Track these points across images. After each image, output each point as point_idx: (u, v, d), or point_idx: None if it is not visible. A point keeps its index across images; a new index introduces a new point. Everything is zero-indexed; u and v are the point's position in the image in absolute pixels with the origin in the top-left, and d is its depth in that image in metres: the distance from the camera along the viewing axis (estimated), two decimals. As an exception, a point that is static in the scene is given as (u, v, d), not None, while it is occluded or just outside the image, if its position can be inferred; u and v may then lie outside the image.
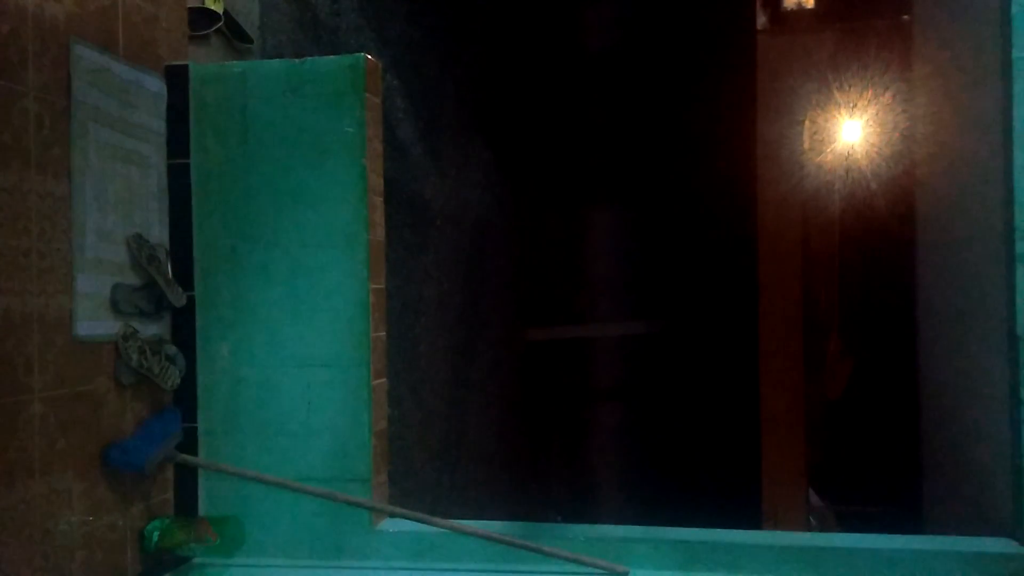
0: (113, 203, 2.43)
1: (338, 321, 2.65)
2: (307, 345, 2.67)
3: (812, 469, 7.77)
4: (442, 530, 2.60)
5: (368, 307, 2.64)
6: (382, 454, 2.74)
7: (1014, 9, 2.42)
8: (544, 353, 7.51)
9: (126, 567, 2.45)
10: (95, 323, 2.34)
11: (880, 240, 6.19)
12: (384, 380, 2.77)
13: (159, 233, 2.64)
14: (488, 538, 2.56)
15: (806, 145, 7.00)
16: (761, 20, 7.85)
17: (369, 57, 2.69)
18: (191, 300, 2.68)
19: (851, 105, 6.33)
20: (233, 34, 3.18)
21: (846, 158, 6.49)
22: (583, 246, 8.10)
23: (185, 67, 2.71)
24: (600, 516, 7.51)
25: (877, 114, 5.98)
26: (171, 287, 2.57)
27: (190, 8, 2.84)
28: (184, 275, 2.68)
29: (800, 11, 7.85)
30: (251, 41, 3.30)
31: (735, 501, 7.03)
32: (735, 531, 2.58)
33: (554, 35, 7.63)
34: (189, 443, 2.67)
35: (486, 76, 6.54)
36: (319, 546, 2.65)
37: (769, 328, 7.65)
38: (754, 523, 7.17)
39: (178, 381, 2.58)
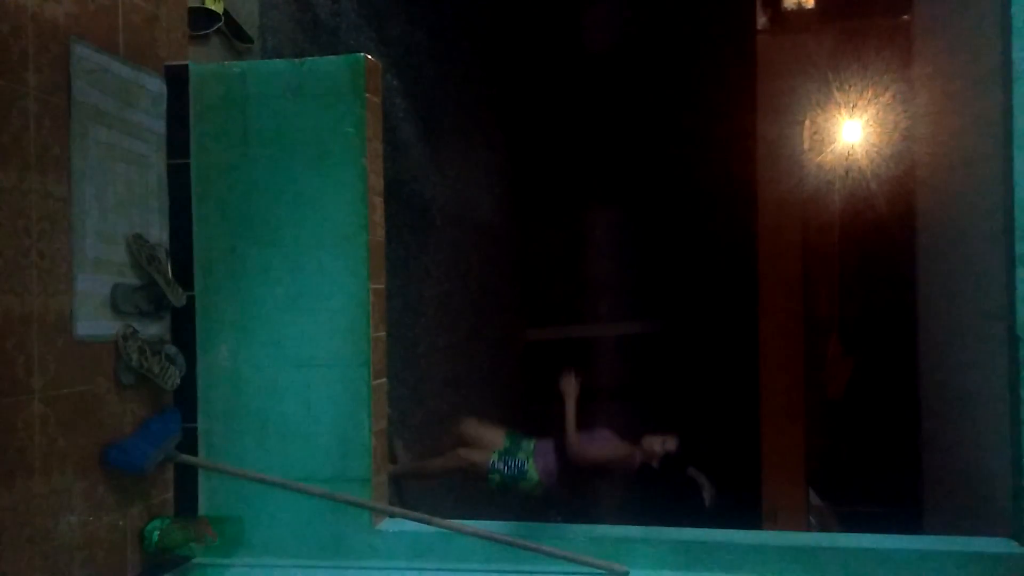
0: (113, 203, 2.43)
1: (338, 321, 2.65)
2: (307, 345, 2.66)
3: (812, 469, 7.77)
4: (442, 530, 2.60)
5: (368, 307, 2.64)
6: (382, 454, 2.74)
7: (1014, 9, 2.42)
8: (544, 353, 7.51)
9: (126, 567, 2.44)
10: (95, 323, 2.34)
11: (880, 240, 6.19)
12: (384, 380, 2.76)
13: (159, 233, 2.64)
14: (488, 538, 2.56)
15: (806, 145, 7.00)
16: (761, 20, 7.86)
17: (369, 57, 2.68)
18: (191, 300, 2.68)
19: (851, 105, 6.32)
20: (233, 34, 3.19)
21: (846, 158, 6.48)
22: (583, 246, 8.10)
23: (185, 67, 2.71)
24: (600, 516, 7.50)
25: (877, 114, 5.98)
26: (171, 287, 2.57)
27: (190, 8, 2.85)
28: (184, 275, 2.67)
29: (800, 11, 7.86)
30: (251, 41, 3.31)
31: (735, 501, 7.03)
32: (735, 531, 2.58)
33: (554, 35, 7.64)
34: (189, 443, 2.66)
35: (486, 76, 6.55)
36: (319, 546, 2.64)
37: (769, 328, 7.65)
38: (754, 523, 7.16)
39: (178, 381, 2.58)
